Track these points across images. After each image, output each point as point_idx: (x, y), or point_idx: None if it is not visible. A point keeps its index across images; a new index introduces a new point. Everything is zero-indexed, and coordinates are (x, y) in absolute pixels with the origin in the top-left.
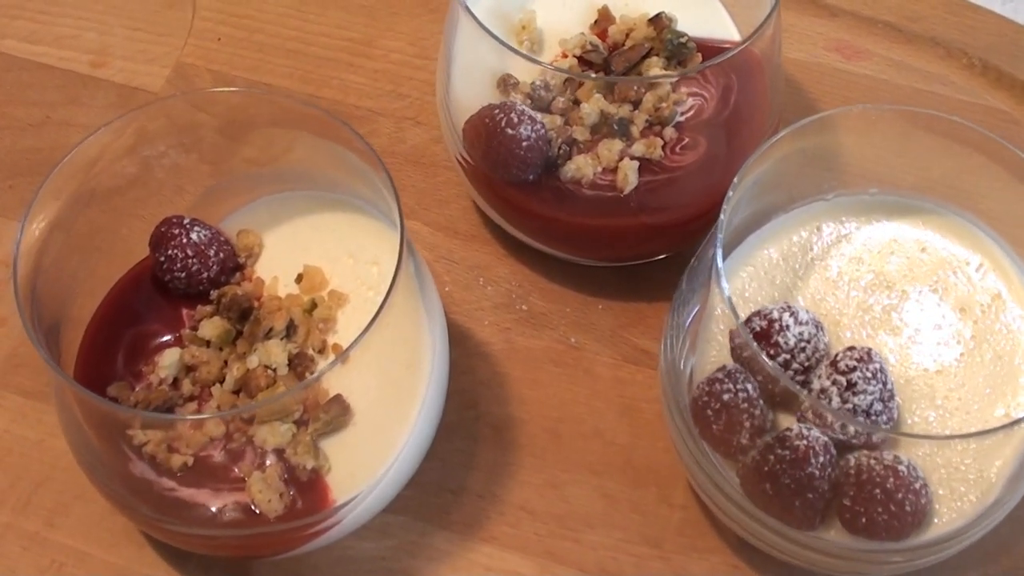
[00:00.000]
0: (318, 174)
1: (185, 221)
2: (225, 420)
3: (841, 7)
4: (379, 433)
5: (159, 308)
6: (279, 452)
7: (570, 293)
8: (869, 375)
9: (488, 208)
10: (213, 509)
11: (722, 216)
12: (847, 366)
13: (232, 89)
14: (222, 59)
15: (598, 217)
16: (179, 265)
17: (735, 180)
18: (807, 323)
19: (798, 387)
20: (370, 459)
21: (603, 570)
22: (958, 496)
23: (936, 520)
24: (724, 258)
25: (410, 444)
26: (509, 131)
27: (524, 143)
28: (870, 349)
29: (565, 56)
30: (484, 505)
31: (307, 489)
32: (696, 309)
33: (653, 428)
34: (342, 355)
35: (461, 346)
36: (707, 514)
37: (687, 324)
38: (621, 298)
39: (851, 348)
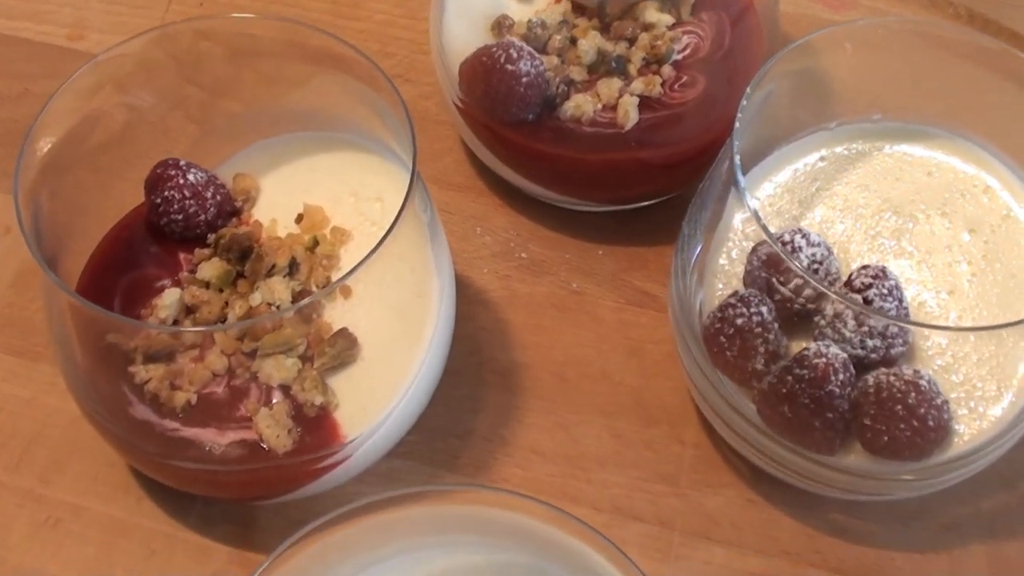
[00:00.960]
0: (316, 113)
1: (181, 163)
2: (228, 353)
3: None
4: (388, 367)
5: (156, 253)
6: (285, 389)
7: (569, 240)
8: (885, 292)
9: (486, 153)
10: (219, 447)
11: (737, 124)
12: (862, 283)
13: (237, 16)
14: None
15: (599, 154)
16: (176, 207)
17: (745, 95)
18: (819, 245)
19: (825, 284)
20: (379, 394)
21: (617, 508)
22: (977, 414)
23: (956, 439)
24: (727, 193)
25: (420, 377)
26: (509, 67)
27: (524, 79)
28: (884, 267)
29: (558, 1)
30: (492, 448)
31: (315, 426)
32: (700, 247)
33: (661, 368)
34: (351, 271)
35: (461, 294)
36: (720, 451)
37: (693, 259)
38: (621, 243)
39: (865, 266)
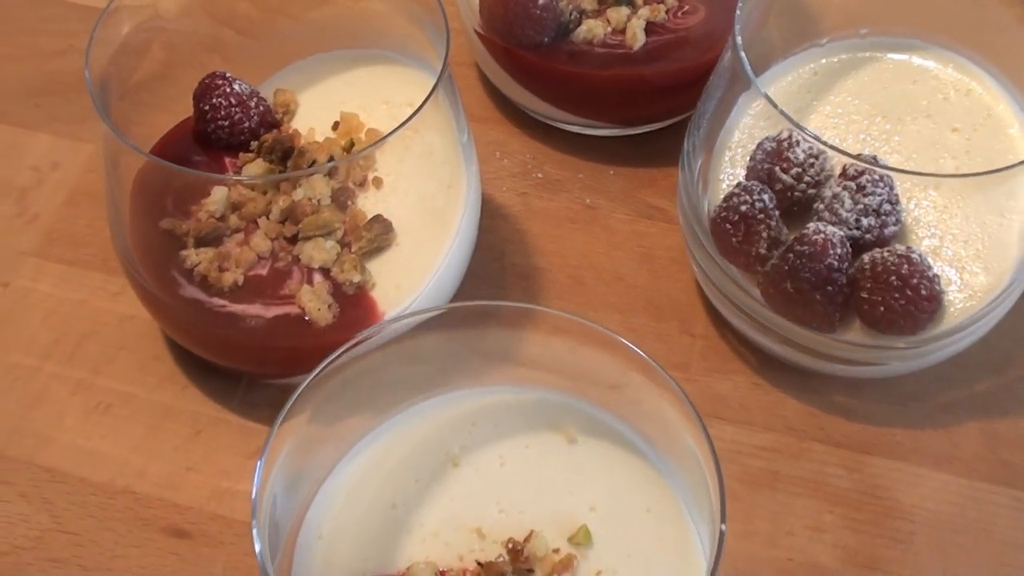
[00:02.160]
0: (349, 31)
1: (227, 75)
2: (271, 237)
3: None
4: (420, 250)
5: (203, 160)
6: (325, 272)
7: (582, 162)
8: (876, 178)
9: (504, 78)
10: (264, 321)
11: (737, 11)
12: (856, 171)
13: None
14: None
15: (609, 71)
16: (223, 114)
17: None
18: (814, 141)
19: (832, 146)
20: (413, 274)
21: None
22: (965, 290)
23: (947, 313)
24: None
25: (450, 258)
26: None
27: (540, 2)
28: (875, 156)
29: None
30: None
31: (354, 303)
32: (702, 160)
33: (671, 271)
34: (385, 137)
35: (483, 209)
36: (727, 341)
37: (697, 170)
38: (631, 164)
39: (858, 155)
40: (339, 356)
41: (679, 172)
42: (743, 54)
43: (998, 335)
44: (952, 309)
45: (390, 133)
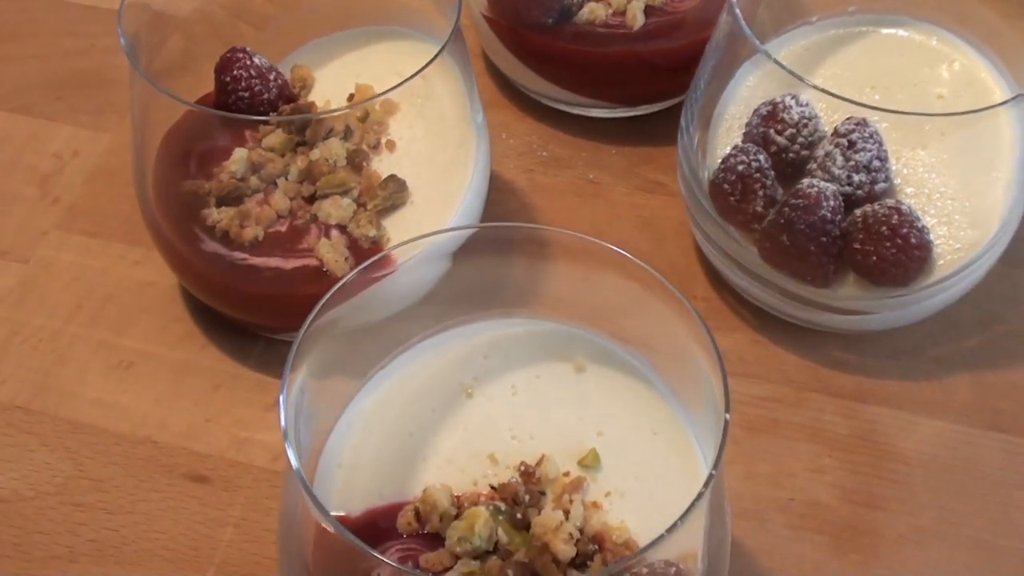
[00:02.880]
0: (365, 9)
1: (248, 49)
2: (290, 196)
3: None
4: (433, 207)
5: (224, 130)
6: (342, 228)
7: (584, 142)
8: (867, 135)
9: (509, 60)
10: (284, 272)
11: None
12: (846, 129)
13: None
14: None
15: (610, 49)
16: (243, 84)
17: None
18: (807, 105)
19: (817, 85)
20: (426, 231)
21: None
22: (951, 242)
23: (939, 261)
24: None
25: (462, 213)
26: None
27: None
28: (865, 117)
29: None
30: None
31: (367, 256)
32: (699, 130)
33: (670, 238)
34: (400, 84)
35: (490, 184)
36: (726, 302)
37: (696, 139)
38: (631, 144)
39: (848, 117)
40: (353, 278)
41: (678, 140)
42: (741, 17)
43: (986, 295)
44: (941, 261)
45: (402, 82)
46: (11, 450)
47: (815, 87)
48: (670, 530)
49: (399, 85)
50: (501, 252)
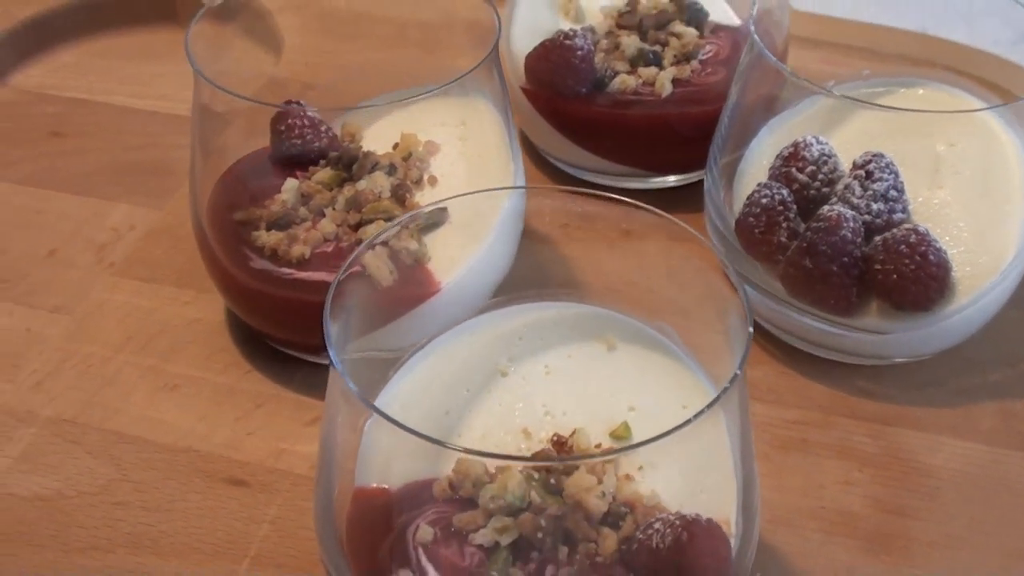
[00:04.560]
0: (407, 72)
1: (302, 102)
2: (336, 224)
3: None
4: (471, 227)
5: (276, 173)
6: (384, 244)
7: (604, 209)
8: (883, 166)
9: (545, 131)
10: (329, 284)
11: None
12: (863, 160)
13: None
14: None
15: (641, 113)
16: (296, 132)
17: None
18: (826, 144)
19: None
20: (465, 248)
21: None
22: (969, 266)
23: (957, 287)
24: (736, 156)
25: (498, 234)
26: (567, 42)
27: (579, 52)
28: (881, 152)
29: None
30: None
31: (411, 271)
32: (723, 184)
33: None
34: (433, 90)
35: (523, 234)
36: (756, 339)
37: (721, 183)
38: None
39: (865, 152)
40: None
41: (705, 180)
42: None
43: (1007, 330)
44: (959, 286)
45: (448, 83)
46: (56, 456)
47: (834, 94)
48: (696, 416)
49: (434, 90)
50: (536, 241)
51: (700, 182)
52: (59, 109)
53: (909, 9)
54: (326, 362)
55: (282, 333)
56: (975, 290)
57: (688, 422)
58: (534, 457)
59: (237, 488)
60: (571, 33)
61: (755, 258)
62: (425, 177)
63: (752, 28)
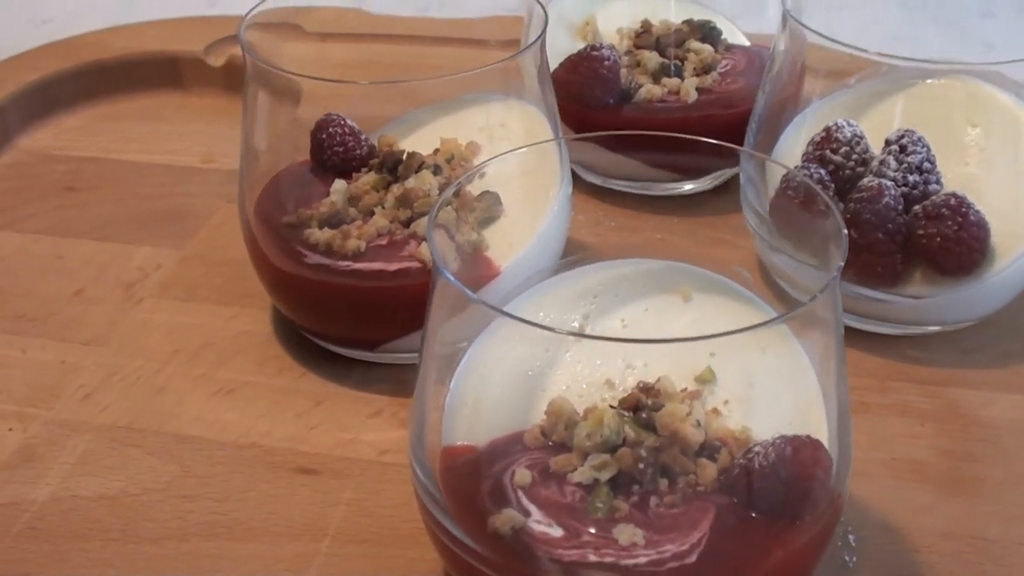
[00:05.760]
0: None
1: (341, 114)
2: (388, 216)
3: None
4: (525, 218)
5: (320, 181)
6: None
7: (648, 215)
8: (915, 140)
9: (575, 145)
10: (388, 272)
11: None
12: (896, 136)
13: None
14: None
15: (667, 118)
16: (338, 140)
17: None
18: (856, 125)
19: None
20: (521, 235)
21: None
22: (1005, 230)
23: (998, 249)
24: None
25: (552, 221)
26: (594, 53)
27: (606, 63)
28: (912, 129)
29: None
30: None
31: (471, 260)
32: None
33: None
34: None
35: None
36: None
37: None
38: (693, 215)
39: (897, 129)
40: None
41: (740, 166)
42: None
43: None
44: (998, 250)
45: (495, 63)
46: (115, 459)
47: (869, 54)
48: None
49: (477, 69)
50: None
51: (727, 184)
52: (70, 167)
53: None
54: (380, 360)
55: (338, 329)
56: (1014, 252)
57: (804, 306)
58: (622, 402)
59: (308, 476)
60: (598, 45)
61: (791, 238)
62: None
63: (784, 18)
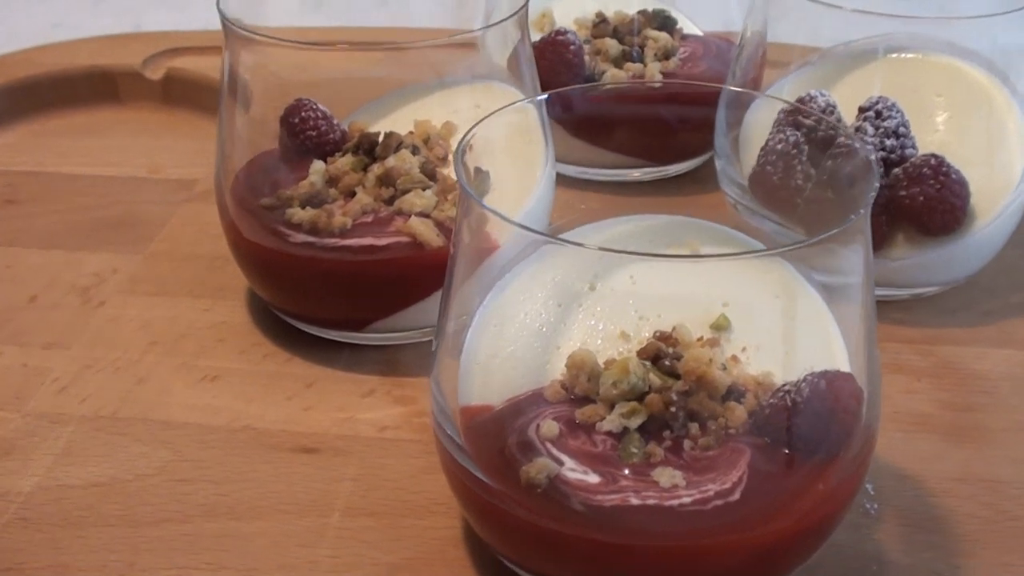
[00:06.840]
0: (412, 69)
1: (311, 99)
2: (371, 195)
3: None
4: (511, 194)
5: (294, 166)
6: (426, 215)
7: (620, 198)
8: (889, 105)
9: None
10: (378, 247)
11: None
12: (870, 103)
13: None
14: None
15: (633, 100)
16: (311, 124)
17: None
18: (828, 96)
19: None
20: (511, 209)
21: None
22: (990, 180)
23: (977, 208)
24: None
25: (536, 202)
26: (559, 38)
27: (572, 47)
28: (884, 95)
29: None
30: None
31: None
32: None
33: None
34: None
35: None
36: None
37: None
38: (663, 196)
39: (868, 97)
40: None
41: (715, 142)
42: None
43: (1018, 261)
44: (977, 208)
45: (484, 26)
46: (102, 448)
47: (848, 7)
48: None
49: (456, 36)
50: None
51: (697, 171)
52: (9, 180)
53: None
54: (368, 341)
55: (327, 310)
56: (992, 211)
57: (830, 233)
58: (641, 352)
59: (308, 455)
60: (563, 30)
61: (774, 208)
62: (449, 156)
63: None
